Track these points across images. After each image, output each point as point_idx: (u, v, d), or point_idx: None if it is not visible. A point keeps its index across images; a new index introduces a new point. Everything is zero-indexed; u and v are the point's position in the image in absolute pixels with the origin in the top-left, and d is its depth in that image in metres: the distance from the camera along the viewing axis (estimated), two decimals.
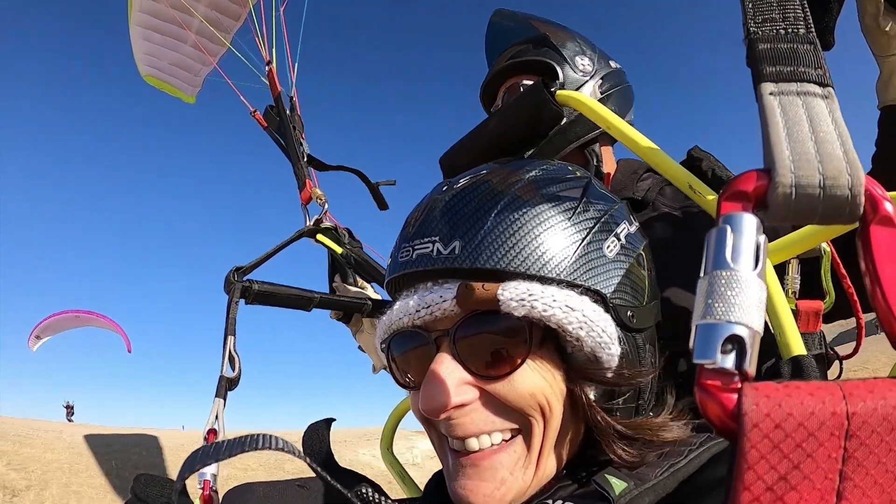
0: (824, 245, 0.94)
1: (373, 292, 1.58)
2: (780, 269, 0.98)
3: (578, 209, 0.60)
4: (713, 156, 1.30)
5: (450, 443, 0.60)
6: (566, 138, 1.30)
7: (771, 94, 0.37)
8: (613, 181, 1.34)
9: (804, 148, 0.34)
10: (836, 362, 1.12)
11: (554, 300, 0.55)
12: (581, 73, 1.37)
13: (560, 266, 0.57)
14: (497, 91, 1.48)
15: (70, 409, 19.48)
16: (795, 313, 0.95)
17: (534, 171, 0.64)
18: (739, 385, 0.29)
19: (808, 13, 0.41)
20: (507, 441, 0.58)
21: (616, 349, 0.58)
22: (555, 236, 0.58)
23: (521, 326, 0.56)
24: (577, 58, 1.39)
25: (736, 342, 0.29)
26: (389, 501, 0.66)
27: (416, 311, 0.59)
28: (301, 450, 0.50)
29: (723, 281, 0.31)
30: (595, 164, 1.33)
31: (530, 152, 1.26)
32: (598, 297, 0.58)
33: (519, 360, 0.56)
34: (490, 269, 0.56)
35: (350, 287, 1.57)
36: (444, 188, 0.65)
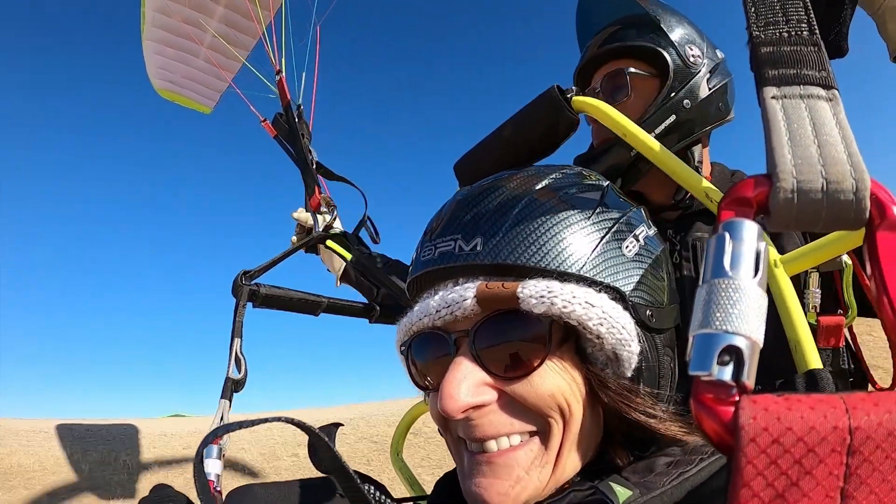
0: (845, 258, 0.91)
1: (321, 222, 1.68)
2: (802, 284, 0.95)
3: (597, 210, 0.61)
4: (727, 167, 1.27)
5: (467, 444, 0.59)
6: (683, 131, 1.17)
7: (773, 97, 0.36)
8: None
9: (807, 152, 0.32)
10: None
11: (574, 296, 0.55)
12: (691, 64, 1.20)
13: (579, 262, 0.57)
14: (593, 75, 1.31)
15: None
16: (816, 329, 0.92)
17: (553, 174, 0.65)
18: (737, 398, 0.27)
19: (812, 15, 0.40)
20: (524, 441, 0.57)
21: (636, 347, 0.58)
22: (574, 234, 0.58)
23: (540, 325, 0.56)
24: (688, 46, 1.21)
25: (734, 353, 0.28)
26: (391, 502, 0.65)
27: (437, 312, 0.59)
28: (296, 419, 0.51)
29: (721, 290, 0.29)
30: (695, 165, 1.21)
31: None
32: (617, 295, 0.58)
33: (538, 361, 0.55)
34: (510, 264, 0.57)
35: (303, 213, 1.69)
36: (467, 191, 0.66)
